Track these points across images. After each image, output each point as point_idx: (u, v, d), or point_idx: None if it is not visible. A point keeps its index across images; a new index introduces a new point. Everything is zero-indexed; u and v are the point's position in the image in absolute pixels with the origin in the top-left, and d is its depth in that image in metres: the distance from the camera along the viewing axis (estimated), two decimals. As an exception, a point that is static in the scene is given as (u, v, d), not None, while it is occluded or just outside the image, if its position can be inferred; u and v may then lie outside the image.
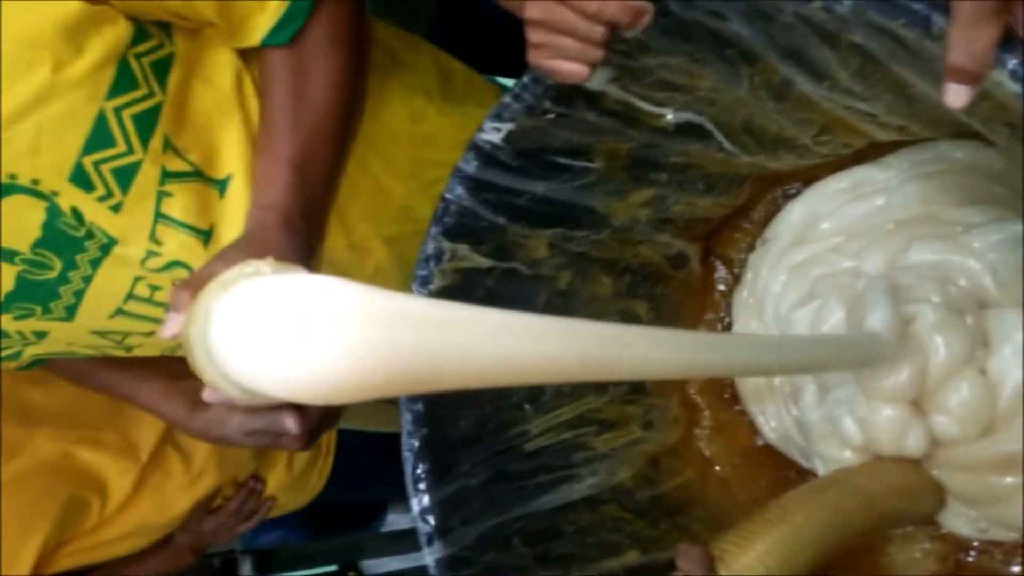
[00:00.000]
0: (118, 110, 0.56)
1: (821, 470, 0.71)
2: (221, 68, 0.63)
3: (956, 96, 0.41)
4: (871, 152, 0.74)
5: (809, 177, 0.78)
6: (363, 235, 0.71)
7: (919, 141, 0.72)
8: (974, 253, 0.67)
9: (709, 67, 0.60)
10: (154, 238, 0.60)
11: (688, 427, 0.79)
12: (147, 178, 0.58)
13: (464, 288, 0.65)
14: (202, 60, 0.62)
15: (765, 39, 0.55)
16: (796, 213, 0.79)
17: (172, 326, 0.49)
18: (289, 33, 0.61)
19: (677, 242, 0.76)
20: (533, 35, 0.55)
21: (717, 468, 0.80)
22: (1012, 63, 0.40)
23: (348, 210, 0.70)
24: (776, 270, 0.80)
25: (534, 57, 0.56)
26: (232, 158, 0.63)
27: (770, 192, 0.80)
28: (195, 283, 0.48)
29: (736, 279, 0.83)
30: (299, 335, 0.35)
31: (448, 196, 0.63)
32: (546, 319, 0.40)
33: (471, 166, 0.63)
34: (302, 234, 0.61)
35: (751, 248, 0.82)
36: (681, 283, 0.80)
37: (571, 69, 0.55)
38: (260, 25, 0.60)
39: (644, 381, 0.76)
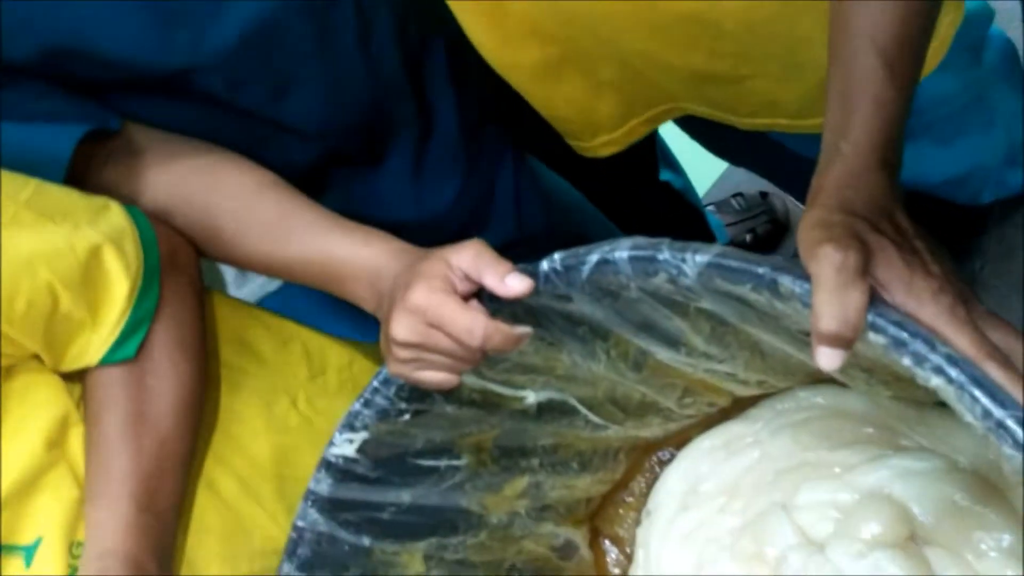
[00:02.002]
0: None
1: None
2: (40, 406, 0.55)
3: (829, 360, 0.39)
4: (735, 408, 0.74)
5: (681, 440, 0.76)
6: None
7: (779, 392, 0.72)
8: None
9: (564, 347, 0.59)
10: None
11: None
12: None
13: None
14: (15, 400, 0.54)
15: (615, 315, 0.54)
16: (673, 479, 0.76)
17: None
18: (134, 346, 0.55)
19: (561, 530, 0.71)
20: (401, 352, 0.51)
21: None
22: (870, 316, 0.39)
23: (197, 552, 0.60)
24: (666, 542, 0.75)
25: (398, 370, 0.52)
26: (44, 517, 0.53)
27: (646, 460, 0.77)
28: None
29: (629, 559, 0.77)
30: None
31: (300, 524, 0.55)
32: None
33: (324, 486, 0.56)
34: None
35: (638, 522, 0.77)
36: (574, 575, 0.73)
37: (440, 380, 0.52)
38: (96, 342, 0.53)
39: None
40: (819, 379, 0.69)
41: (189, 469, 0.58)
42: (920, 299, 0.39)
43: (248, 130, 0.61)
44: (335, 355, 0.74)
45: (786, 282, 0.42)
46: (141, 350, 0.55)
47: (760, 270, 0.43)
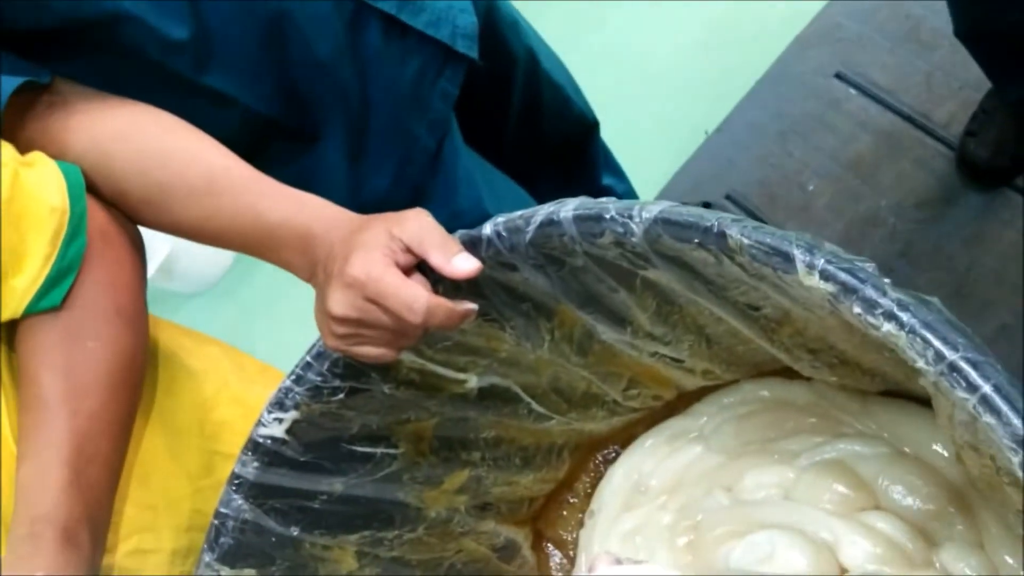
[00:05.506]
0: None
1: None
2: None
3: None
4: (681, 404, 0.72)
5: (625, 438, 0.74)
6: (136, 549, 0.56)
7: (724, 385, 0.71)
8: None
9: (507, 325, 0.57)
10: None
11: None
12: None
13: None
14: None
15: (560, 286, 0.53)
16: (618, 477, 0.74)
17: None
18: (60, 294, 0.51)
19: (503, 528, 0.68)
20: (339, 328, 0.49)
21: None
22: (820, 261, 0.38)
23: (121, 519, 0.56)
24: (607, 544, 0.72)
25: (336, 345, 0.50)
26: None
27: (590, 460, 0.75)
28: None
29: (573, 563, 0.74)
30: None
31: (224, 510, 0.52)
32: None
33: (250, 469, 0.52)
34: (86, 553, 0.48)
35: (582, 525, 0.74)
36: (515, 577, 0.70)
37: (378, 354, 0.49)
38: (19, 289, 0.49)
39: None
40: (765, 371, 0.69)
41: (126, 435, 0.55)
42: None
43: (176, 95, 0.58)
44: (249, 359, 0.72)
45: (734, 233, 0.41)
46: (80, 311, 0.52)
47: (708, 223, 0.42)
